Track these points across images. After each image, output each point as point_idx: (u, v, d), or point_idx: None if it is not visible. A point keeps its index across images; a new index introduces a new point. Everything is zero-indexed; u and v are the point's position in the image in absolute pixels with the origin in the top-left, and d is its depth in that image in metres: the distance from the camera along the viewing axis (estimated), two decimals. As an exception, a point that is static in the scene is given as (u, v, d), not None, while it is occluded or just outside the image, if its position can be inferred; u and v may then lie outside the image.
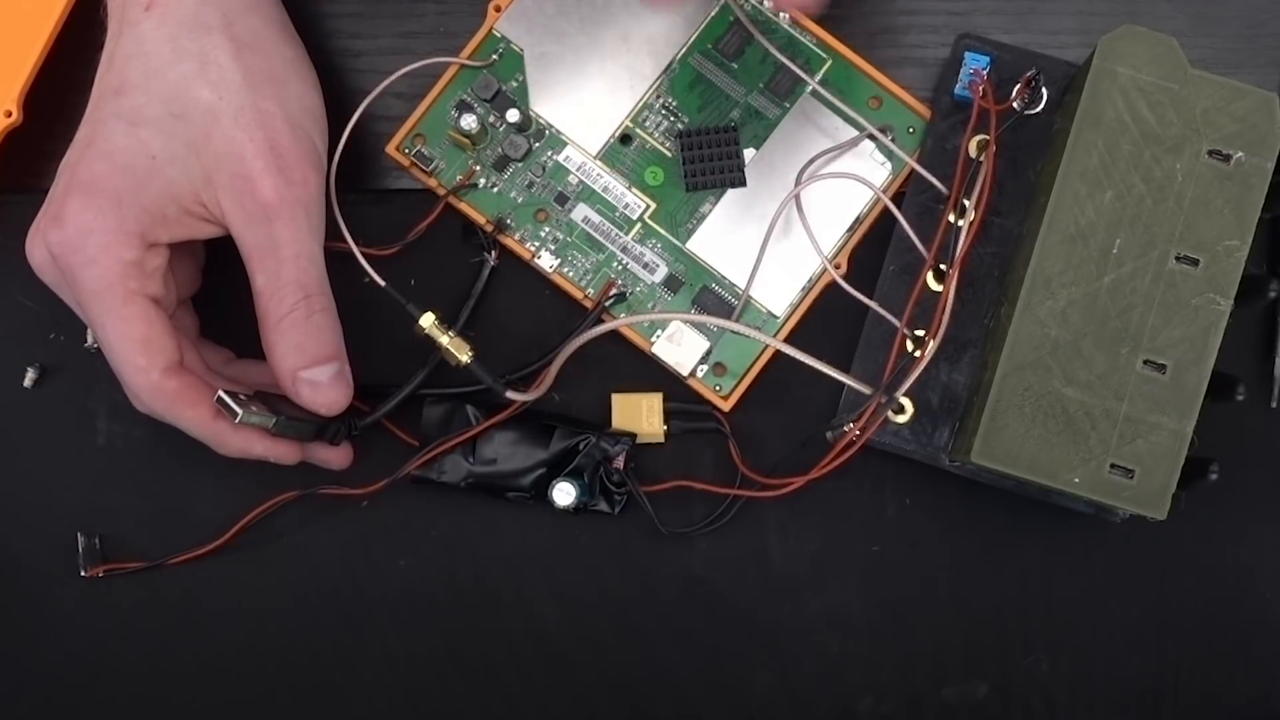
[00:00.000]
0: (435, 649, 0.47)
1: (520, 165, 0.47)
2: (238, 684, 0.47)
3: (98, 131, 0.41)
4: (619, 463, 0.46)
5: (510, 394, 0.44)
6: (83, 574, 0.47)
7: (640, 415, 0.46)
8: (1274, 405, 0.47)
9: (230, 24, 0.42)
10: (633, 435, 0.46)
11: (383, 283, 0.44)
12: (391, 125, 0.47)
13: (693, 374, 0.46)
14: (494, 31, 0.47)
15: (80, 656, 0.47)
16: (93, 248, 0.40)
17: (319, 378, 0.43)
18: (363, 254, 0.45)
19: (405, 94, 0.47)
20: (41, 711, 0.47)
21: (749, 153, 0.47)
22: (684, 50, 0.47)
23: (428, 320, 0.44)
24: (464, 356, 0.44)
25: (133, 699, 0.47)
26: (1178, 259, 0.41)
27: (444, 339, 0.44)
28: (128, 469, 0.47)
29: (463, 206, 0.47)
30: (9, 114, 0.45)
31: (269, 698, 0.47)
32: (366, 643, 0.47)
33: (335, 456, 0.46)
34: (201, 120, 0.41)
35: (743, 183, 0.46)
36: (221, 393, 0.41)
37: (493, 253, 0.46)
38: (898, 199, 0.46)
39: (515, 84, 0.47)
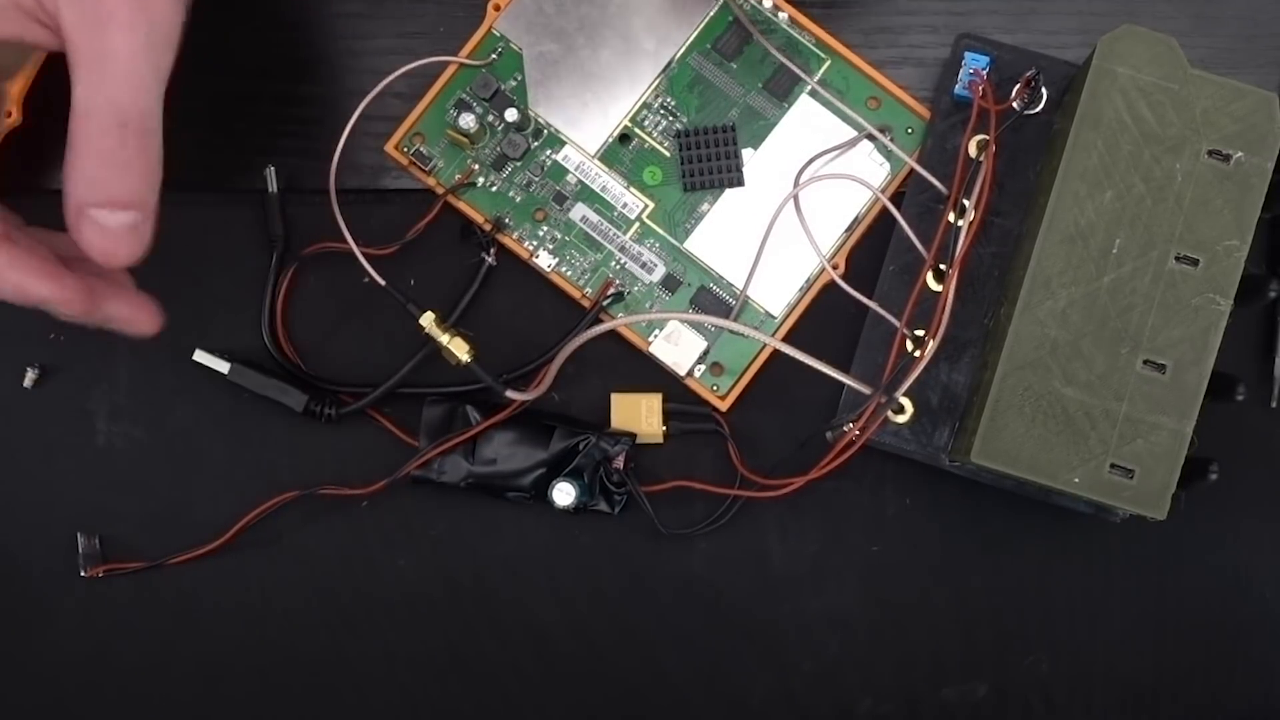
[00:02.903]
0: (434, 649, 0.47)
1: (519, 164, 0.47)
2: (238, 684, 0.47)
3: None
4: (619, 463, 0.46)
5: (510, 393, 0.44)
6: (83, 574, 0.47)
7: (639, 415, 0.46)
8: (1274, 405, 0.47)
9: None
10: (632, 435, 0.46)
11: (383, 282, 0.45)
12: (390, 125, 0.47)
13: (690, 374, 0.46)
14: (493, 31, 0.47)
15: (80, 656, 0.47)
16: None
17: (108, 221, 0.37)
18: (362, 253, 0.45)
19: (405, 94, 0.47)
20: (41, 711, 0.48)
21: (747, 153, 0.47)
22: (683, 50, 0.47)
23: (427, 320, 0.44)
24: (464, 356, 0.44)
25: (133, 699, 0.47)
26: (1178, 259, 0.41)
27: (444, 338, 0.44)
28: (128, 469, 0.47)
29: (461, 206, 0.47)
30: (9, 114, 0.45)
31: (269, 698, 0.47)
32: (366, 642, 0.47)
33: (137, 314, 0.41)
34: None
35: (741, 183, 0.46)
36: (200, 352, 0.41)
37: (491, 251, 0.46)
38: (897, 199, 0.46)
39: (514, 83, 0.47)
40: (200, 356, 0.46)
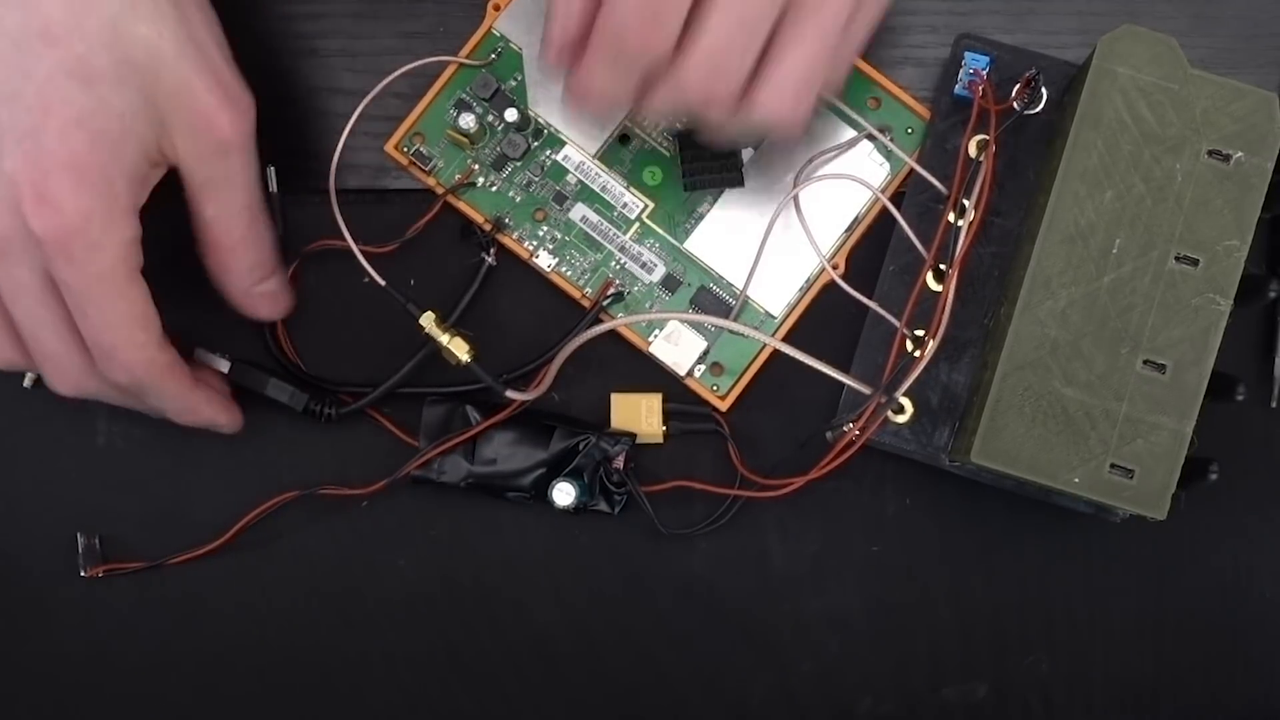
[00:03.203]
0: (434, 649, 0.47)
1: (519, 164, 0.47)
2: (238, 684, 0.47)
3: (49, 93, 0.37)
4: (619, 463, 0.46)
5: (510, 393, 0.44)
6: (82, 574, 0.47)
7: (639, 415, 0.46)
8: (1274, 405, 0.47)
9: None
10: (632, 435, 0.46)
11: (382, 282, 0.45)
12: (390, 125, 0.47)
13: (690, 374, 0.46)
14: (493, 30, 0.47)
15: (80, 656, 0.47)
16: (95, 232, 0.38)
17: (272, 288, 0.44)
18: (362, 252, 0.45)
19: (405, 94, 0.47)
20: (41, 711, 0.48)
21: (747, 153, 0.47)
22: (683, 50, 0.47)
23: (427, 320, 0.44)
24: (463, 356, 0.44)
25: (133, 699, 0.47)
26: (1178, 259, 0.41)
27: (444, 338, 0.44)
28: (128, 469, 0.47)
29: (461, 205, 0.47)
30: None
31: (269, 698, 0.47)
32: (366, 642, 0.47)
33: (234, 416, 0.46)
34: (147, 61, 0.38)
35: (741, 183, 0.46)
36: (199, 354, 0.44)
37: (491, 251, 0.46)
38: (897, 199, 0.46)
39: (514, 83, 0.47)
40: (201, 355, 0.46)
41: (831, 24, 0.39)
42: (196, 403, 0.43)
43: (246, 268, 0.43)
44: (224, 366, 0.46)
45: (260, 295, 0.44)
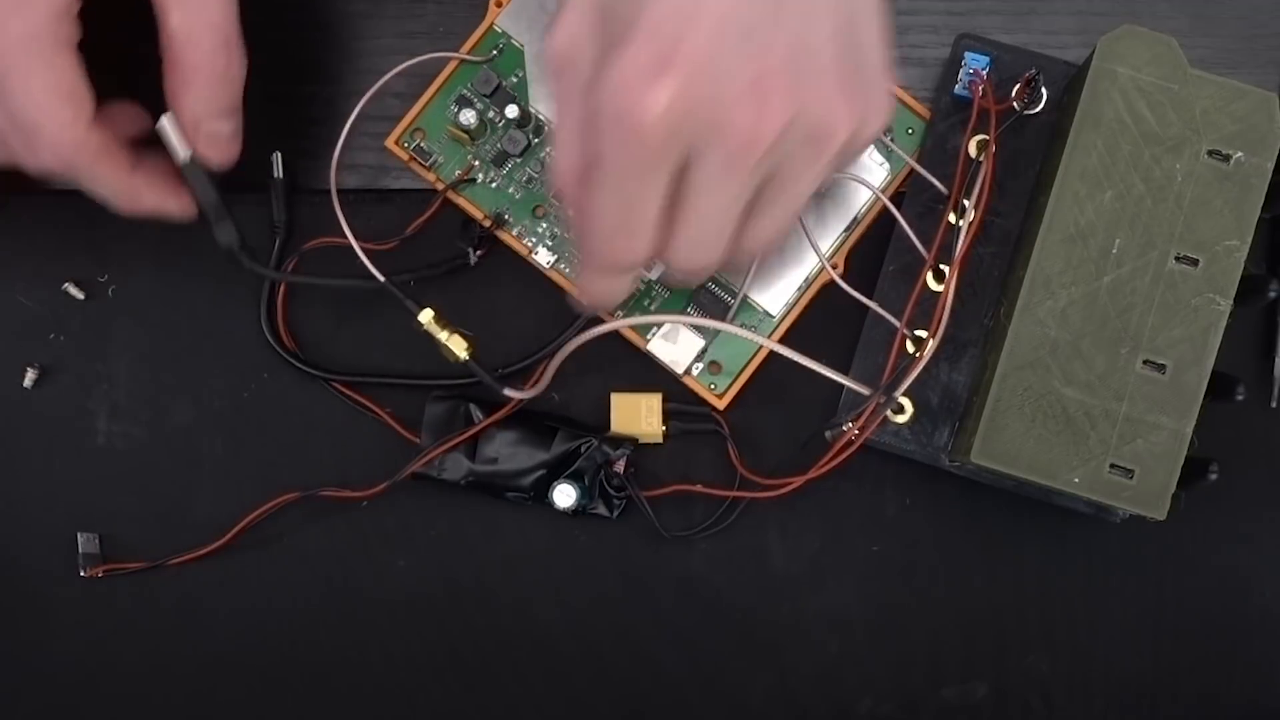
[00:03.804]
0: (434, 649, 0.47)
1: (519, 161, 0.47)
2: (238, 684, 0.47)
3: None
4: (619, 466, 0.46)
5: (508, 391, 0.44)
6: (82, 574, 0.47)
7: (639, 415, 0.46)
8: (1274, 405, 0.47)
9: None
10: (634, 440, 0.46)
11: (382, 278, 0.44)
12: (390, 125, 0.47)
13: (687, 372, 0.46)
14: (494, 27, 0.47)
15: (80, 657, 0.47)
16: None
17: (224, 130, 0.42)
18: (362, 249, 0.45)
19: (404, 94, 0.47)
20: (41, 712, 0.48)
21: (748, 152, 0.46)
22: (683, 50, 0.47)
23: (426, 316, 0.44)
24: (462, 353, 0.44)
25: (133, 699, 0.47)
26: (1177, 259, 0.41)
27: (442, 335, 0.44)
28: (128, 469, 0.47)
29: (461, 202, 0.47)
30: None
31: (269, 698, 0.47)
32: (366, 643, 0.47)
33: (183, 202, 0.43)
34: None
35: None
36: (165, 121, 0.40)
37: (474, 251, 0.46)
38: (897, 199, 0.46)
39: (515, 79, 0.47)
40: (165, 125, 0.41)
41: (802, 198, 0.38)
42: (136, 188, 0.41)
43: (204, 96, 0.40)
44: (184, 155, 0.42)
45: (209, 135, 0.41)
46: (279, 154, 0.46)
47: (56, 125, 0.38)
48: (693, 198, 0.36)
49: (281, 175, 0.46)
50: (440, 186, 0.47)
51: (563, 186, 0.38)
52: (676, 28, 0.33)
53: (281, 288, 0.47)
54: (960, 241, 0.44)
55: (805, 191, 0.38)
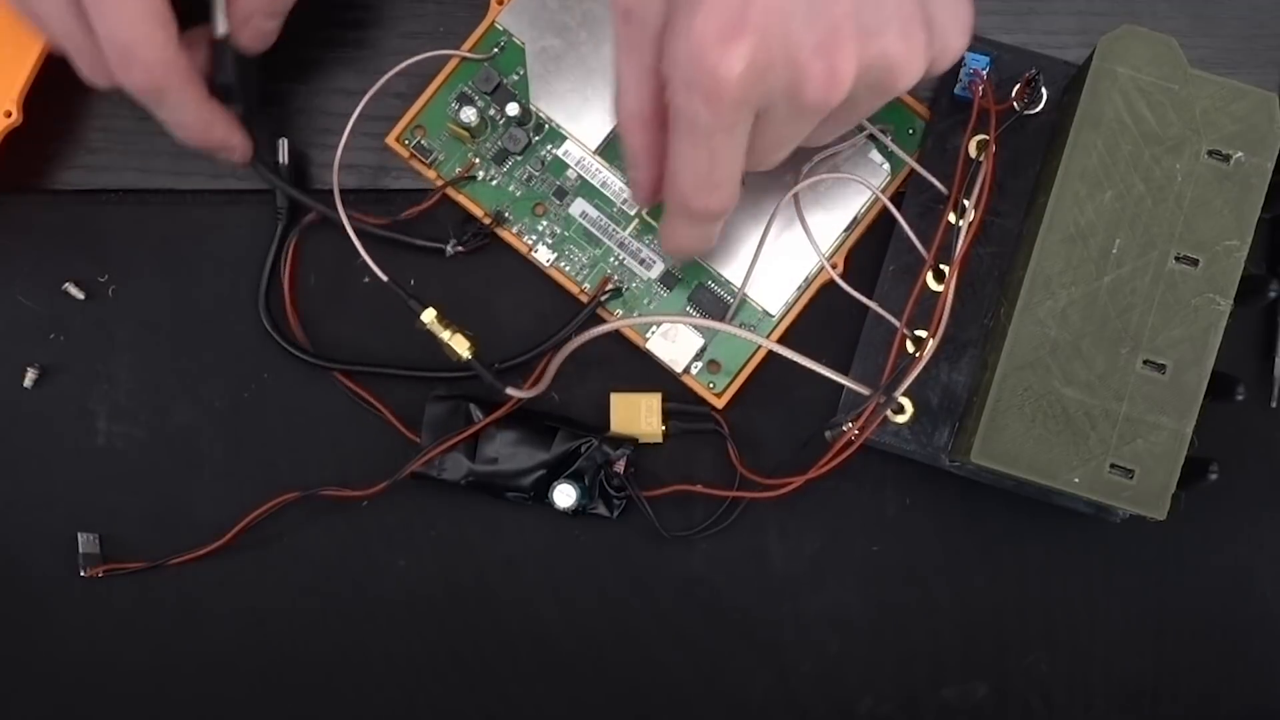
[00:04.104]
0: (434, 649, 0.47)
1: (519, 159, 0.47)
2: (238, 684, 0.47)
3: None
4: (619, 466, 0.46)
5: (509, 390, 0.44)
6: (83, 574, 0.47)
7: (639, 415, 0.46)
8: (1274, 405, 0.47)
9: None
10: (634, 441, 0.46)
11: (385, 277, 0.44)
12: (390, 125, 0.47)
13: (686, 371, 0.46)
14: (495, 25, 0.47)
15: (80, 657, 0.47)
16: None
17: (266, 27, 0.44)
18: (363, 248, 0.45)
19: (404, 94, 0.47)
20: (41, 711, 0.48)
21: (748, 152, 0.46)
22: (683, 50, 0.47)
23: (429, 316, 0.44)
24: (464, 352, 0.44)
25: (133, 699, 0.47)
26: (1177, 259, 0.41)
27: (445, 334, 0.44)
28: (128, 469, 0.47)
29: (461, 199, 0.47)
30: (9, 114, 0.45)
31: (269, 698, 0.47)
32: (366, 643, 0.47)
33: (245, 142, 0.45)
34: None
35: (741, 181, 0.46)
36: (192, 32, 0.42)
37: (453, 244, 0.46)
38: (897, 199, 0.46)
39: (516, 78, 0.47)
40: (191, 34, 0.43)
41: (860, 118, 0.40)
42: (211, 117, 0.43)
43: None
44: (223, 29, 0.43)
45: (255, 30, 0.43)
46: (285, 140, 0.46)
47: (149, 45, 0.40)
48: (761, 140, 0.38)
49: (286, 161, 0.46)
50: (440, 183, 0.47)
51: (628, 131, 0.39)
52: None
53: (285, 288, 0.47)
54: (960, 241, 0.44)
55: (865, 114, 0.39)
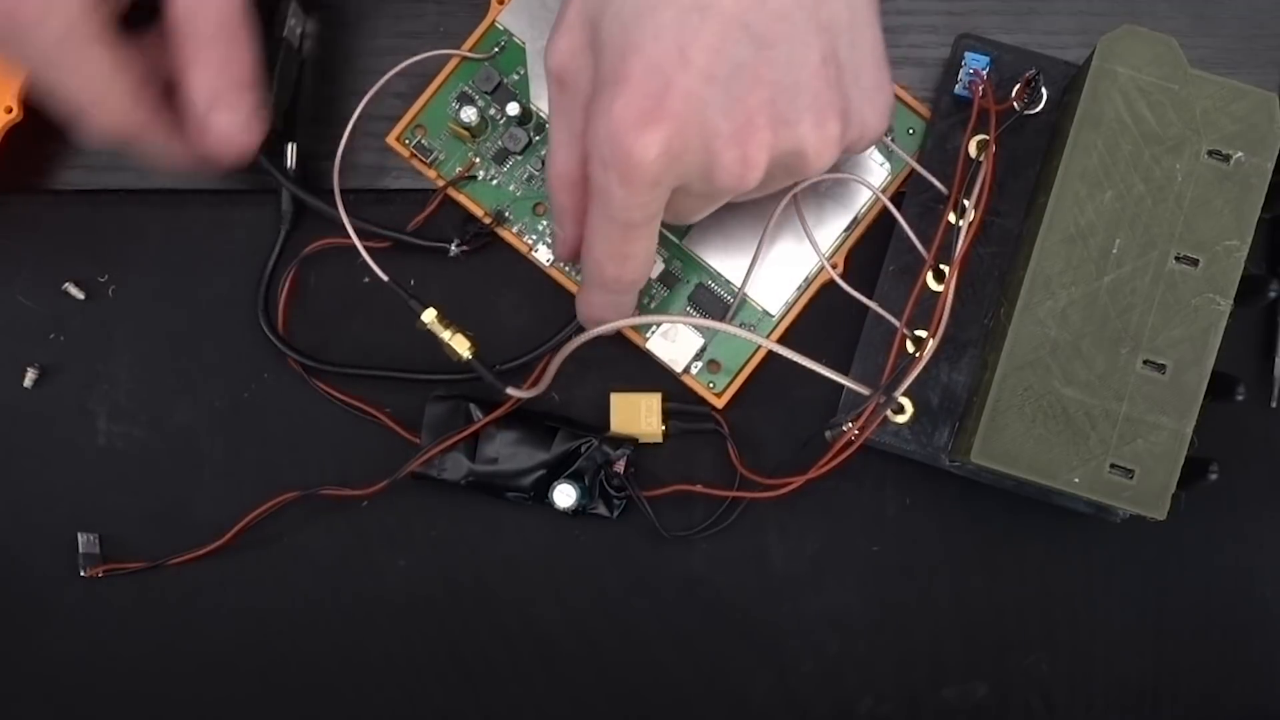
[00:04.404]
0: (435, 649, 0.47)
1: (519, 158, 0.47)
2: (238, 684, 0.47)
3: None
4: (619, 466, 0.46)
5: (510, 390, 0.44)
6: (83, 574, 0.47)
7: (639, 415, 0.46)
8: (1274, 405, 0.47)
9: None
10: (634, 440, 0.46)
11: (385, 278, 0.44)
12: (390, 125, 0.47)
13: (686, 371, 0.46)
14: (496, 24, 0.47)
15: (80, 657, 0.47)
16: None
17: (230, 121, 0.41)
18: (365, 249, 0.45)
19: (405, 93, 0.47)
20: (41, 712, 0.48)
21: (748, 152, 0.46)
22: (684, 50, 0.47)
23: (429, 316, 0.44)
24: (464, 352, 0.44)
25: (133, 699, 0.47)
26: (1177, 259, 0.41)
27: (445, 334, 0.44)
28: (128, 469, 0.47)
29: (462, 199, 0.47)
30: (9, 109, 0.45)
31: (269, 698, 0.47)
32: (366, 642, 0.47)
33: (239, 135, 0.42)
34: None
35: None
36: None
37: (457, 244, 0.46)
38: (897, 199, 0.46)
39: (516, 77, 0.47)
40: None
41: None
42: (186, 145, 0.42)
43: (208, 80, 0.40)
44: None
45: (217, 123, 0.41)
46: (294, 145, 0.46)
47: (101, 110, 0.40)
48: (677, 205, 0.39)
49: (294, 165, 0.46)
50: (441, 183, 0.47)
51: (555, 190, 0.40)
52: (666, 73, 0.35)
53: (284, 290, 0.47)
54: (960, 241, 0.44)
55: (778, 188, 0.41)
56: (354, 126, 0.45)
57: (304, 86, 0.47)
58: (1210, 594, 0.47)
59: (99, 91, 0.40)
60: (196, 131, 0.42)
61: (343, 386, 0.47)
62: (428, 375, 0.47)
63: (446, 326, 0.44)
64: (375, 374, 0.47)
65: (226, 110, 0.41)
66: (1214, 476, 0.41)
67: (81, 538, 0.47)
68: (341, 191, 0.45)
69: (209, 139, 0.42)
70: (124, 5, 0.41)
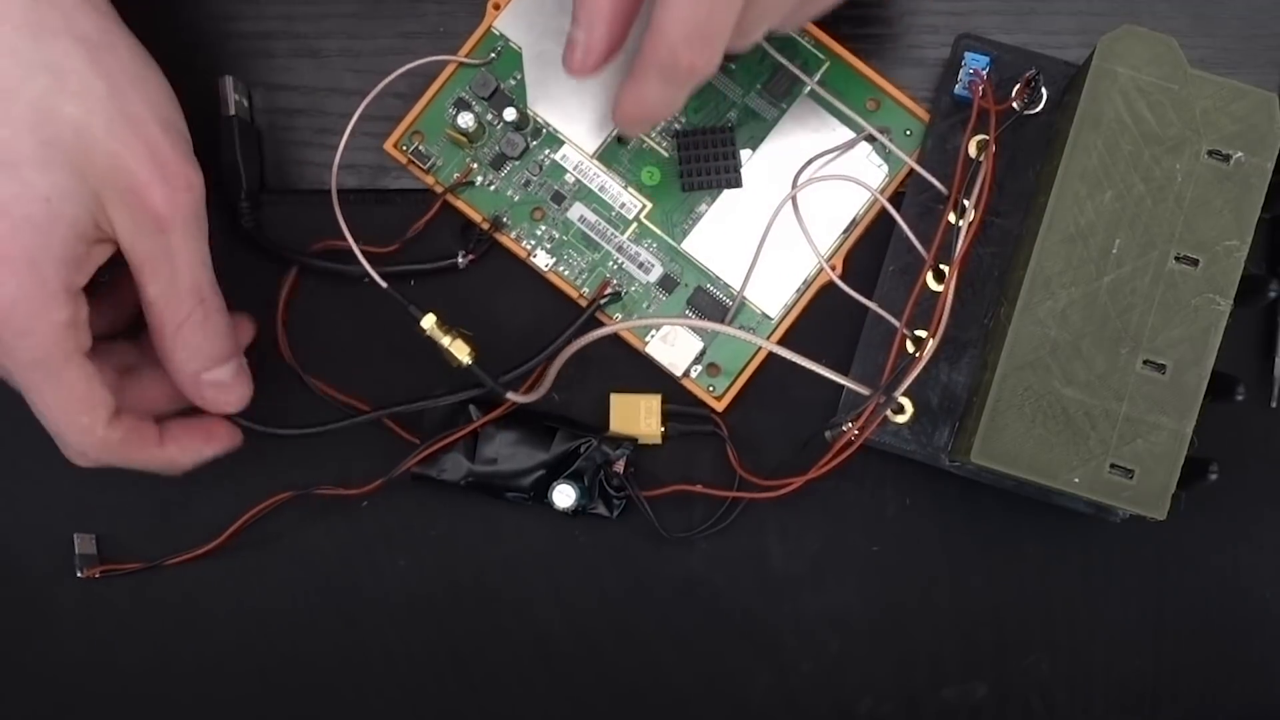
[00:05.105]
0: (434, 649, 0.47)
1: (517, 164, 0.47)
2: (236, 685, 0.47)
3: None
4: (619, 466, 0.45)
5: (510, 395, 0.44)
6: (79, 575, 0.47)
7: (638, 416, 0.46)
8: (1274, 405, 0.47)
9: (72, 24, 0.38)
10: (634, 440, 0.46)
11: (384, 284, 0.44)
12: (390, 125, 0.47)
13: (686, 374, 0.46)
14: (493, 29, 0.47)
15: (78, 658, 0.47)
16: (21, 319, 0.37)
17: (222, 377, 0.42)
18: (363, 253, 0.45)
19: (404, 94, 0.47)
20: (39, 713, 0.47)
21: (745, 153, 0.47)
22: (683, 50, 0.47)
23: (429, 321, 0.44)
24: (464, 358, 0.44)
25: (131, 700, 0.47)
26: (1177, 259, 0.41)
27: (445, 340, 0.44)
28: (124, 469, 0.47)
29: (460, 204, 0.47)
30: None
31: (267, 698, 0.47)
32: (366, 643, 0.47)
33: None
34: (76, 141, 0.37)
35: (739, 183, 0.46)
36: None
37: (463, 255, 0.46)
38: (897, 200, 0.46)
39: (513, 82, 0.47)
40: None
41: None
42: (173, 458, 0.43)
43: (191, 354, 0.41)
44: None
45: (208, 384, 0.42)
46: (229, 78, 0.46)
47: (76, 431, 0.40)
48: (750, 11, 0.37)
49: (234, 112, 0.46)
50: (439, 190, 0.46)
51: None
52: None
53: (284, 290, 0.47)
54: (960, 241, 0.44)
55: None
56: (353, 127, 0.45)
57: (264, 154, 0.47)
58: (1210, 594, 0.47)
59: (69, 417, 0.39)
60: (188, 390, 0.42)
61: (342, 387, 0.47)
62: (424, 404, 0.46)
63: (446, 332, 0.44)
64: (376, 414, 0.46)
65: (206, 387, 0.42)
66: (1214, 476, 0.41)
67: (78, 539, 0.47)
68: (341, 191, 0.45)
69: (202, 401, 0.43)
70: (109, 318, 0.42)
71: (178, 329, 0.41)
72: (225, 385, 0.43)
